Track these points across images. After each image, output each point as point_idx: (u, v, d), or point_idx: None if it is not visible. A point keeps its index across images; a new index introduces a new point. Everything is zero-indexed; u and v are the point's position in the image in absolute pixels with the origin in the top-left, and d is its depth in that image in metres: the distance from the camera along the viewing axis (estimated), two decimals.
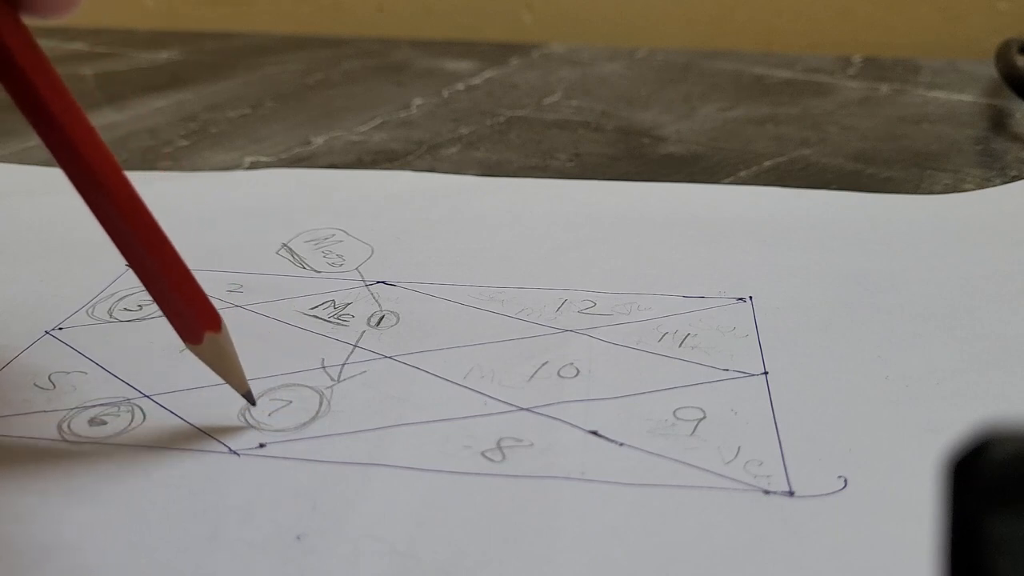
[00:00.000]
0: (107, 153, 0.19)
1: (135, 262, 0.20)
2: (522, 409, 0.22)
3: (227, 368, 0.21)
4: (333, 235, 0.31)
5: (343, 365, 0.24)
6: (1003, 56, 0.44)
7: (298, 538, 0.18)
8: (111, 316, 0.26)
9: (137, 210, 0.20)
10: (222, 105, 0.46)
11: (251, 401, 0.22)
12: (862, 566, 0.18)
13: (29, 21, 0.19)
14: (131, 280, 0.28)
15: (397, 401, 0.22)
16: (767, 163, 0.38)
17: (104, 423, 0.22)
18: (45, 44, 0.19)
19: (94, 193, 0.19)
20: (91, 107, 0.44)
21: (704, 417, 0.22)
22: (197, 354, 0.21)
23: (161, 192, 0.35)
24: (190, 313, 0.21)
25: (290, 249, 0.30)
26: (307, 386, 0.23)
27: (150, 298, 0.27)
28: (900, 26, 0.58)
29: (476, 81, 0.50)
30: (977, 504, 0.11)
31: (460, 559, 0.18)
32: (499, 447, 0.21)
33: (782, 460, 0.20)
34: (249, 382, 0.23)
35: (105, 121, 0.43)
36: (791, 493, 0.19)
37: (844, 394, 0.23)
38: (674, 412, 0.22)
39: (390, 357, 0.24)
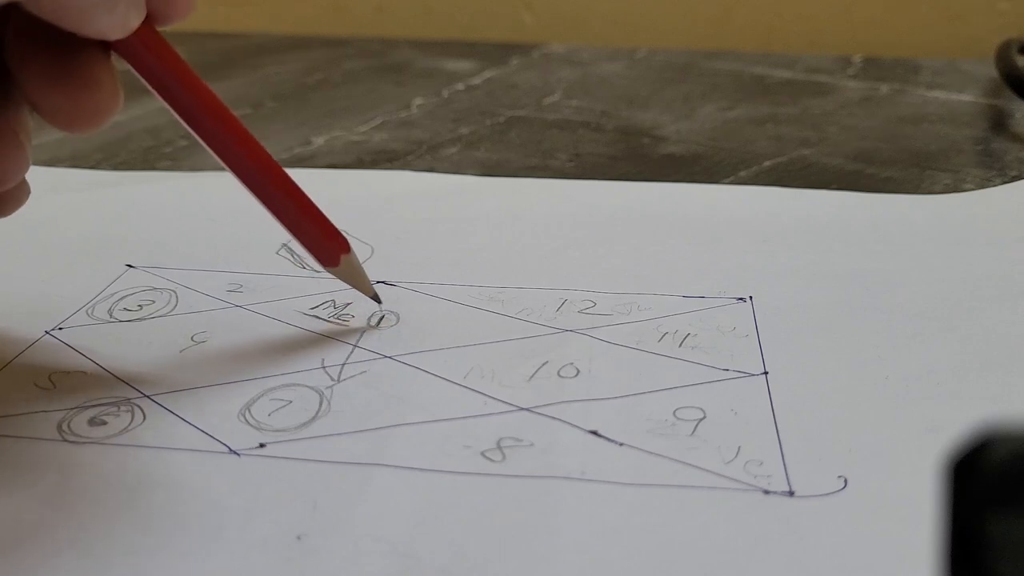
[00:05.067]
0: (240, 125, 0.23)
1: (276, 207, 0.23)
2: (522, 409, 0.22)
3: (359, 282, 0.25)
4: None
5: (343, 365, 0.24)
6: (1003, 56, 0.44)
7: (298, 538, 0.18)
8: (111, 316, 0.26)
9: (272, 164, 0.23)
10: None
11: (378, 300, 0.26)
12: (862, 566, 0.18)
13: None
14: (131, 280, 0.28)
15: (397, 401, 0.22)
16: (767, 163, 0.38)
17: (104, 423, 0.22)
18: None
19: (238, 158, 0.23)
20: None
21: (704, 417, 0.22)
22: (335, 274, 0.25)
23: (161, 192, 0.35)
24: (326, 241, 0.24)
25: (290, 249, 0.30)
26: (307, 386, 0.23)
27: (150, 298, 0.27)
28: (900, 26, 0.58)
29: (476, 81, 0.50)
30: (977, 504, 0.11)
31: (460, 559, 0.18)
32: (499, 447, 0.21)
33: (782, 460, 0.20)
34: (249, 382, 0.23)
35: None
36: (791, 493, 0.19)
37: (844, 394, 0.23)
38: (674, 412, 0.22)
39: (390, 357, 0.24)
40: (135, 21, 0.20)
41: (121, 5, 0.19)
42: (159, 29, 0.21)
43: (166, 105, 0.22)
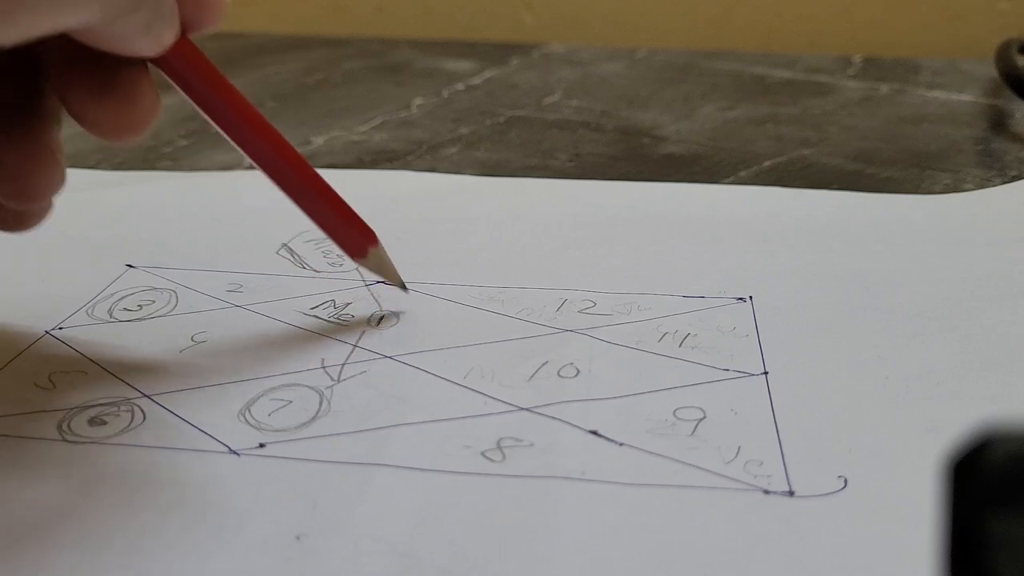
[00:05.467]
0: (270, 126, 0.24)
1: (305, 202, 0.24)
2: (522, 409, 0.22)
3: (387, 272, 0.26)
4: None
5: (343, 365, 0.24)
6: (1003, 56, 0.44)
7: (298, 538, 0.18)
8: (111, 316, 0.26)
9: (301, 161, 0.24)
10: None
11: (404, 288, 0.26)
12: (862, 566, 0.18)
13: None
14: (131, 280, 0.28)
15: (397, 401, 0.22)
16: (767, 163, 0.38)
17: (104, 423, 0.22)
18: None
19: (270, 158, 0.23)
20: None
21: (704, 417, 0.22)
22: (363, 265, 0.25)
23: (161, 192, 0.35)
24: (354, 234, 0.25)
25: (290, 249, 0.30)
26: (307, 386, 0.23)
27: (150, 298, 0.27)
28: (900, 26, 0.58)
29: (476, 81, 0.50)
30: (977, 504, 0.11)
31: (460, 559, 0.18)
32: (499, 447, 0.21)
33: (782, 460, 0.20)
34: (249, 382, 0.23)
35: None
36: (791, 493, 0.19)
37: (844, 394, 0.23)
38: (674, 412, 0.22)
39: (390, 357, 0.24)
40: (170, 38, 0.21)
41: (156, 25, 0.20)
42: (191, 36, 0.22)
43: (200, 111, 0.23)
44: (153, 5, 0.20)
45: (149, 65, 0.22)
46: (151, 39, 0.20)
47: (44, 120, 0.22)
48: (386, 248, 0.25)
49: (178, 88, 0.22)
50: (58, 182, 0.22)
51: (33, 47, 0.21)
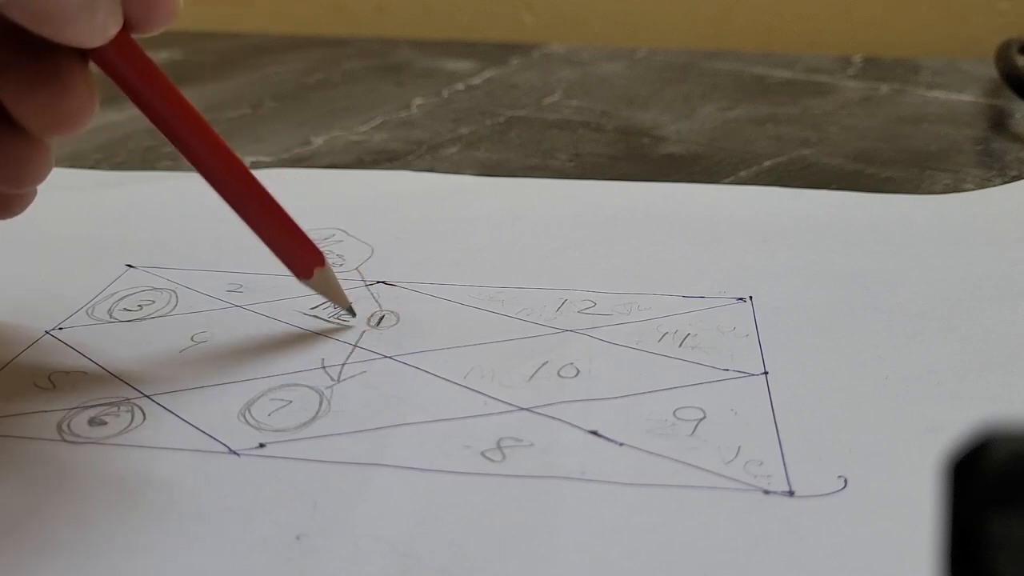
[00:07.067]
0: (215, 135, 0.23)
1: (252, 219, 0.24)
2: (522, 409, 0.22)
3: (334, 294, 0.25)
4: (333, 235, 0.31)
5: (343, 365, 0.24)
6: (1003, 56, 0.44)
7: (298, 538, 0.18)
8: (111, 316, 0.26)
9: (246, 175, 0.23)
10: (222, 105, 0.46)
11: (352, 313, 0.26)
12: (862, 566, 0.18)
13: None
14: (131, 280, 0.28)
15: (397, 401, 0.22)
16: (767, 163, 0.38)
17: (104, 423, 0.22)
18: None
19: (213, 169, 0.23)
20: None
21: (704, 417, 0.22)
22: (310, 286, 0.25)
23: (161, 192, 0.35)
24: (301, 255, 0.25)
25: None
26: (307, 386, 0.23)
27: (150, 298, 0.27)
28: (900, 26, 0.58)
29: (476, 81, 0.50)
30: (977, 504, 0.11)
31: (460, 559, 0.18)
32: (499, 447, 0.21)
33: (782, 460, 0.20)
34: (249, 382, 0.23)
35: (105, 121, 0.43)
36: (791, 493, 0.19)
37: (844, 394, 0.23)
38: (674, 412, 0.22)
39: (390, 357, 0.24)
40: (113, 29, 0.20)
41: (100, 13, 0.19)
42: (135, 36, 0.21)
43: (140, 113, 0.22)
44: None
45: (94, 68, 0.21)
46: (93, 26, 0.20)
47: None
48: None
49: (121, 91, 0.22)
50: (46, 167, 0.22)
51: None
